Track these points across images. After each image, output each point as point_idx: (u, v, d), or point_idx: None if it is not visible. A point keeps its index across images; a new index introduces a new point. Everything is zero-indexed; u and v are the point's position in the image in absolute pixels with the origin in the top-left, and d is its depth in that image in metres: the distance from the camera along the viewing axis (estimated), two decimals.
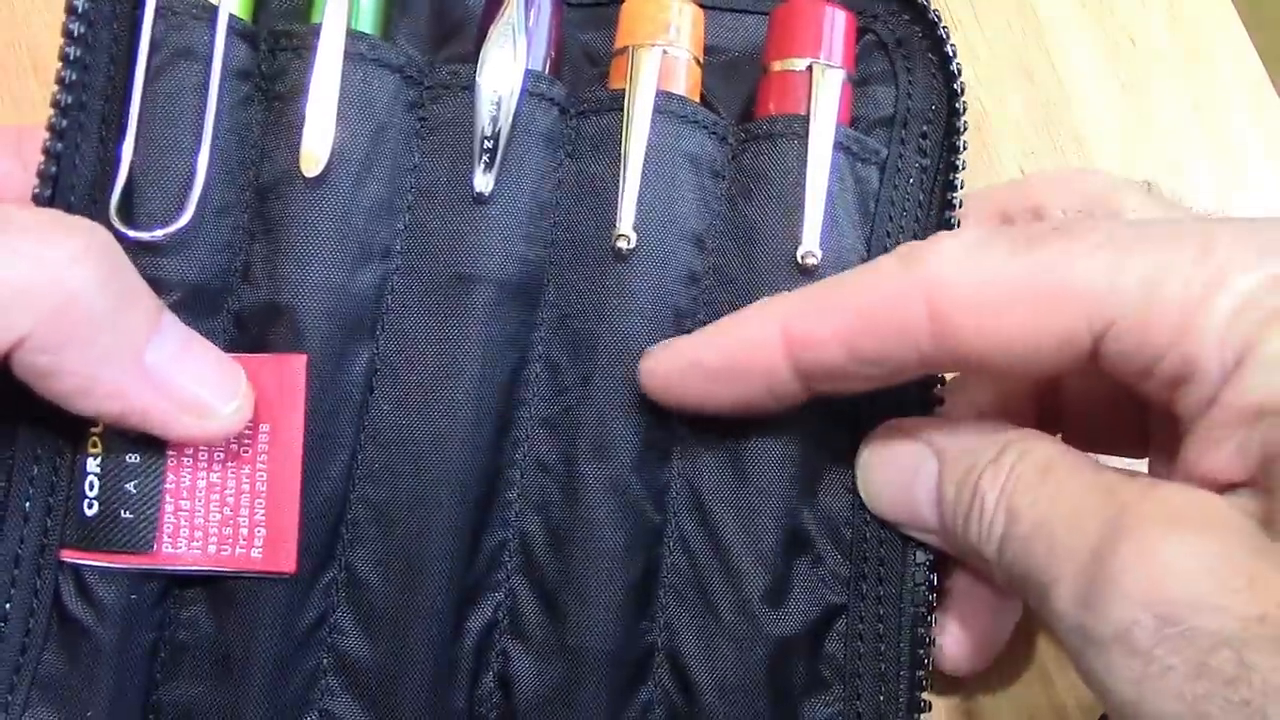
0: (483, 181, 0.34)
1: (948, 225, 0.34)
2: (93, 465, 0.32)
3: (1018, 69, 0.45)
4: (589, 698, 0.34)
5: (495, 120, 0.34)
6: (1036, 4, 0.46)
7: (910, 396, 0.34)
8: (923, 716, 0.33)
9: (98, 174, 0.32)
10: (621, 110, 0.35)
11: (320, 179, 0.33)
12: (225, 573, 0.32)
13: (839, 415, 0.34)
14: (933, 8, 0.36)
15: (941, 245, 0.30)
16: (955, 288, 0.29)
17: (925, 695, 0.33)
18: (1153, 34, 0.45)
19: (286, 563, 0.32)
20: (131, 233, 0.32)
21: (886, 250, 0.33)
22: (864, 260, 0.35)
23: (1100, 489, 0.28)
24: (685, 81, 0.36)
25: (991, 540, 0.29)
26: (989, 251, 0.29)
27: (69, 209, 0.31)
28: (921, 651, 0.33)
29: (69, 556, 0.32)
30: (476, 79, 0.34)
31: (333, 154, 0.33)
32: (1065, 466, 0.29)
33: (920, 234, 0.35)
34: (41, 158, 0.31)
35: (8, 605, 0.31)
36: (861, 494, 0.34)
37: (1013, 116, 0.44)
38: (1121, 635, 0.25)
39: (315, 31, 0.33)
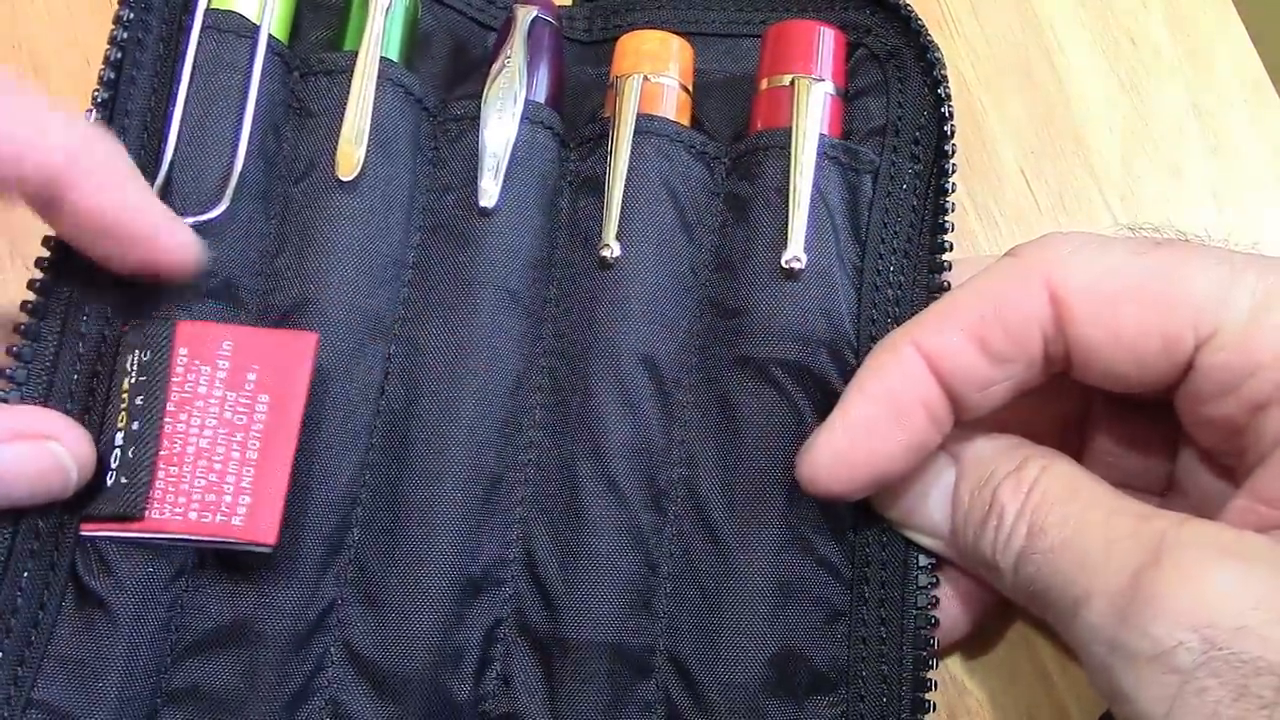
0: (488, 197, 0.37)
1: (941, 230, 0.36)
2: (120, 439, 0.33)
3: (1018, 69, 0.45)
4: (591, 694, 0.34)
5: (499, 144, 0.37)
6: (1036, 4, 0.46)
7: None
8: (925, 717, 0.33)
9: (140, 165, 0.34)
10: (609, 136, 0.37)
11: (351, 185, 0.36)
12: (203, 541, 0.32)
13: None
14: (917, 17, 0.37)
15: (1056, 240, 0.31)
16: (1075, 275, 0.30)
17: (928, 696, 0.33)
18: (1153, 34, 0.45)
19: (267, 534, 0.32)
20: None
21: (881, 256, 0.35)
22: (856, 267, 0.36)
23: (1131, 513, 0.29)
24: (672, 107, 0.38)
25: (1009, 552, 0.30)
26: (1108, 249, 0.31)
27: None
28: (924, 653, 0.33)
29: (89, 530, 0.32)
30: (482, 107, 0.37)
31: (362, 164, 0.36)
32: (1090, 487, 0.30)
33: (915, 238, 0.36)
34: None
35: (25, 575, 0.32)
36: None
37: (1013, 116, 0.44)
38: (1163, 654, 0.26)
39: (347, 58, 0.37)
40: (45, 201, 0.31)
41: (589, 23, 0.42)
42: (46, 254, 0.33)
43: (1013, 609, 0.37)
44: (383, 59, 0.37)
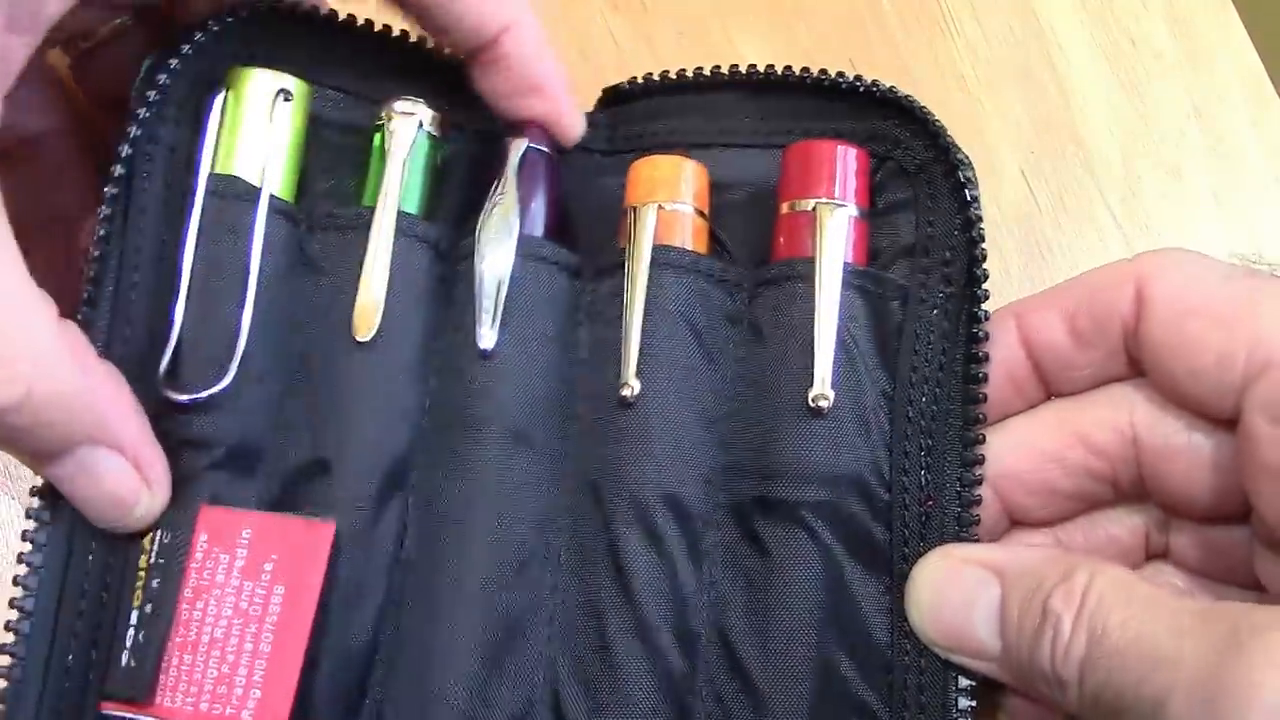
0: (486, 339, 0.35)
1: (975, 359, 0.34)
2: (134, 618, 0.32)
3: (1018, 69, 0.45)
4: None
5: (493, 283, 0.35)
6: (1036, 4, 0.46)
7: (950, 476, 0.34)
8: None
9: (146, 339, 0.34)
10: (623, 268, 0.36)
11: (370, 344, 0.35)
12: None
13: (872, 558, 0.34)
14: (945, 133, 0.35)
15: (1162, 251, 0.34)
16: (1162, 281, 0.32)
17: None
18: (1153, 34, 0.45)
19: None
20: (176, 395, 0.33)
21: (912, 385, 0.35)
22: (888, 397, 0.35)
23: (1191, 608, 0.28)
24: (688, 235, 0.37)
25: (1069, 662, 0.29)
26: (1204, 268, 0.33)
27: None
28: None
29: (107, 709, 0.32)
30: (476, 246, 0.36)
31: (381, 321, 0.35)
32: (1144, 587, 0.30)
33: (948, 365, 0.35)
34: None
35: None
36: (912, 621, 0.33)
37: (1013, 117, 0.44)
38: None
39: (359, 214, 0.36)
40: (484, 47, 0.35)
41: (611, 131, 0.40)
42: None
43: None
44: (400, 213, 0.36)
